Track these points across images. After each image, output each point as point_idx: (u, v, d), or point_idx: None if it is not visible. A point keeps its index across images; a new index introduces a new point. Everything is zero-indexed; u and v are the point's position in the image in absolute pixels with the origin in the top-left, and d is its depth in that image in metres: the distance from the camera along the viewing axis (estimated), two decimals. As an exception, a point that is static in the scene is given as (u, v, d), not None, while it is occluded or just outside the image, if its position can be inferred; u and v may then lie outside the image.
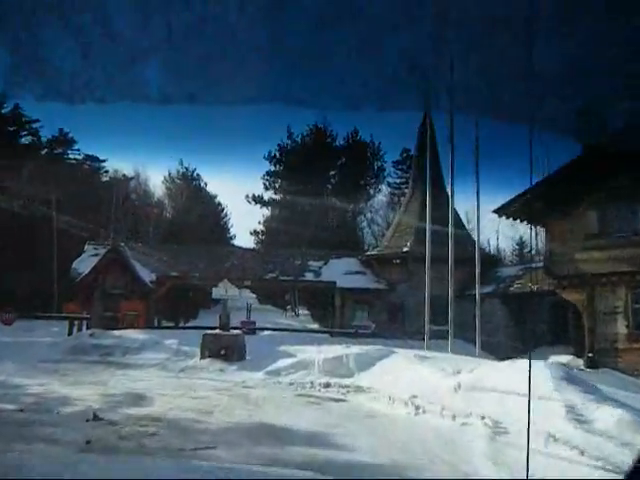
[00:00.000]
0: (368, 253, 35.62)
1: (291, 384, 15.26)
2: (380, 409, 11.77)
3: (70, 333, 28.30)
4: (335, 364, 16.04)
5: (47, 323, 31.42)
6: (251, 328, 29.71)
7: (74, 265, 32.06)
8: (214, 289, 19.51)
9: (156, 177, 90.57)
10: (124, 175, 65.32)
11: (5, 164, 55.29)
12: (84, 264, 31.58)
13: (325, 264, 33.70)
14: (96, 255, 31.83)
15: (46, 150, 58.99)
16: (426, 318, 21.13)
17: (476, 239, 23.65)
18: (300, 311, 56.08)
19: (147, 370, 17.90)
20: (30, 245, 42.60)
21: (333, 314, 33.13)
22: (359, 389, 14.04)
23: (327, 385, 14.66)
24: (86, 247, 33.59)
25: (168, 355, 21.71)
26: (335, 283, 32.14)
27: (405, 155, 60.35)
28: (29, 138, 55.73)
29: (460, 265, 22.10)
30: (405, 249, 31.51)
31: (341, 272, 32.75)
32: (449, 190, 23.93)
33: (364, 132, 60.28)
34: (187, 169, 68.61)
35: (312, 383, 15.01)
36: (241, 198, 77.46)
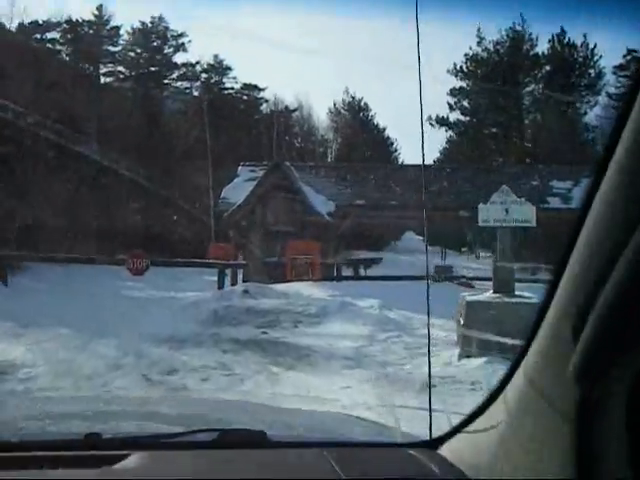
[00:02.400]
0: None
1: None
2: None
3: (221, 287, 20.02)
4: None
5: (203, 271, 23.67)
6: (449, 276, 20.48)
7: (224, 194, 23.68)
8: (483, 208, 9.77)
9: (320, 109, 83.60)
10: (286, 107, 58.27)
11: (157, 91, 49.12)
12: (237, 192, 23.00)
13: (575, 185, 23.14)
14: (253, 180, 23.15)
15: (203, 77, 52.33)
16: None
17: None
18: (481, 253, 47.70)
19: (342, 374, 8.68)
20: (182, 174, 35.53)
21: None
22: None
23: None
24: (239, 169, 24.98)
25: (370, 329, 12.64)
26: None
27: (630, 57, 47.48)
28: (182, 57, 48.94)
29: None
30: None
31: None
32: None
33: (573, 33, 48.02)
34: (353, 98, 60.46)
35: None
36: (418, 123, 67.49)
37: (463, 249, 50.34)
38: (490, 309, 8.11)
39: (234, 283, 20.48)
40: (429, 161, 47.95)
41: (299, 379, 8.37)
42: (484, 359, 7.73)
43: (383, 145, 58.41)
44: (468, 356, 8.10)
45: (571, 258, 0.98)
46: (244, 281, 20.32)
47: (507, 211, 9.25)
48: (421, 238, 58.40)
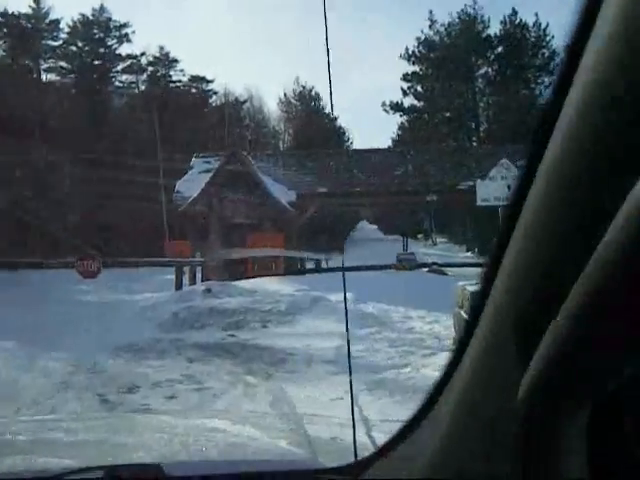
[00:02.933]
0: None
1: None
2: None
3: (179, 286, 18.78)
4: None
5: (159, 270, 22.39)
6: (414, 265, 19.70)
7: (178, 187, 22.34)
8: (481, 184, 8.66)
9: (271, 100, 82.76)
10: (236, 98, 57.25)
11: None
12: (192, 184, 21.70)
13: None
14: (208, 172, 21.85)
15: (149, 71, 50.71)
16: None
17: None
18: (438, 239, 48.73)
19: (328, 382, 7.54)
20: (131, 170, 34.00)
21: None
22: None
23: None
24: (193, 161, 23.63)
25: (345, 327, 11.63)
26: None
27: (583, 36, 47.44)
28: (127, 48, 47.26)
29: None
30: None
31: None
32: None
33: (525, 13, 47.83)
34: (304, 87, 59.83)
35: None
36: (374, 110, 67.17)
37: (419, 235, 50.11)
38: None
39: (193, 282, 19.27)
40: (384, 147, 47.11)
41: (281, 391, 7.27)
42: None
43: (335, 134, 57.48)
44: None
45: (505, 257, 0.80)
46: (203, 279, 19.16)
47: (509, 187, 8.18)
48: (375, 227, 58.31)
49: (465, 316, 7.24)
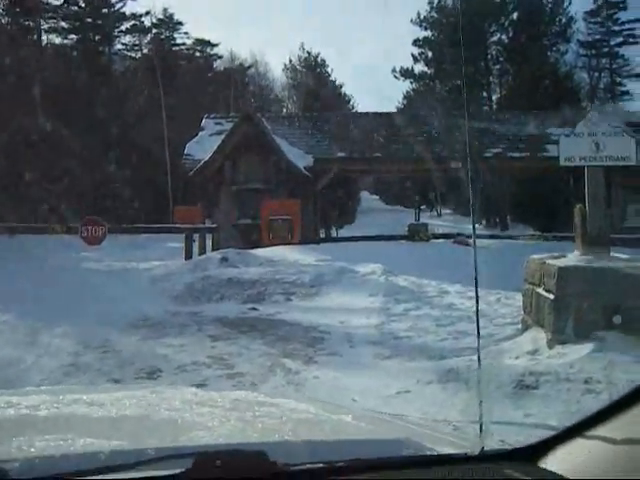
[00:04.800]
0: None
1: None
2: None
3: (189, 255, 17.51)
4: None
5: (164, 238, 21.27)
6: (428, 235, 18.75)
7: (187, 150, 21.04)
8: (565, 141, 7.41)
9: (276, 66, 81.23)
10: (240, 63, 55.97)
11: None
12: (202, 147, 20.44)
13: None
14: (220, 134, 20.60)
15: (153, 33, 49.13)
16: None
17: None
18: (442, 210, 48.23)
19: (383, 369, 6.37)
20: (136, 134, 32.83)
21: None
22: None
23: None
24: (204, 122, 22.32)
25: (381, 300, 10.59)
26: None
27: (601, 2, 46.09)
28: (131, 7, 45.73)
29: None
30: None
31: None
32: None
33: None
34: (309, 54, 58.33)
35: None
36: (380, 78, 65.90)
37: (422, 207, 49.32)
38: (592, 277, 5.82)
39: (203, 250, 18.10)
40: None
41: (330, 379, 6.15)
42: (591, 346, 5.54)
43: (341, 102, 56.05)
44: (563, 342, 5.87)
45: None
46: (214, 247, 18.00)
47: (597, 145, 7.06)
48: (376, 197, 57.44)
49: (550, 296, 6.11)
